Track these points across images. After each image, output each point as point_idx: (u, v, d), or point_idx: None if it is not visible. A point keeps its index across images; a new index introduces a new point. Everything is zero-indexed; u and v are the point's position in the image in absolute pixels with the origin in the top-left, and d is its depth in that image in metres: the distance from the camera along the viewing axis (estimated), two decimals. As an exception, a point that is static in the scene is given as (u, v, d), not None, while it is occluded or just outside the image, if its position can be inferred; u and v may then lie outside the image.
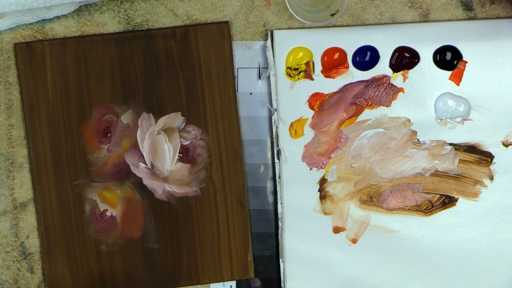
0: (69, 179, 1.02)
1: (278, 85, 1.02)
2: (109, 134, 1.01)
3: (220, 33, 1.01)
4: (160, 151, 1.02)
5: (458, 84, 1.02)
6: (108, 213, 1.02)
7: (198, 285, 1.04)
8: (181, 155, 1.02)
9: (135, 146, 1.02)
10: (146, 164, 1.02)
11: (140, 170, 1.02)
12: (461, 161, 1.03)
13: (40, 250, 1.03)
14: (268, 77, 1.02)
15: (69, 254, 1.02)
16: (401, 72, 1.02)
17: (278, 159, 1.03)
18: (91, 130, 1.01)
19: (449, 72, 1.02)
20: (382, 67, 1.02)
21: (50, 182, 1.02)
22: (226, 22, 1.01)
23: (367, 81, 1.02)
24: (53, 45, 1.00)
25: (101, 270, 1.03)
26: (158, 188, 1.02)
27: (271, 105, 1.02)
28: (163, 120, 1.01)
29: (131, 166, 1.02)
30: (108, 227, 1.02)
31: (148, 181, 1.02)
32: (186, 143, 1.02)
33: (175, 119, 1.01)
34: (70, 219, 1.02)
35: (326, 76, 1.02)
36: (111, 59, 1.01)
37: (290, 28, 1.02)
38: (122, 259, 1.03)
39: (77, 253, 1.02)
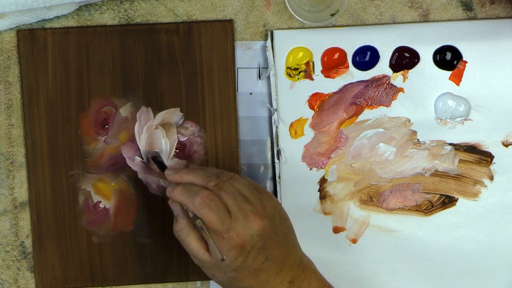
0: (64, 168, 1.02)
1: (278, 85, 1.02)
2: (106, 126, 1.01)
3: (223, 31, 1.01)
4: (157, 145, 1.01)
5: (458, 84, 1.02)
6: (101, 205, 1.02)
7: (189, 282, 1.04)
8: (177, 151, 1.02)
9: (132, 140, 1.02)
10: (142, 158, 1.02)
11: (135, 164, 1.02)
12: (461, 161, 1.03)
13: (32, 238, 1.02)
14: (268, 77, 1.02)
15: (60, 244, 1.02)
16: (401, 72, 1.02)
17: (278, 159, 1.03)
18: (89, 121, 1.01)
19: (449, 72, 1.02)
20: (382, 67, 1.02)
21: (45, 171, 1.01)
22: (230, 21, 1.01)
23: (367, 81, 1.02)
24: (56, 34, 1.00)
25: (91, 262, 1.02)
26: (153, 183, 1.02)
27: (271, 105, 1.02)
28: (161, 115, 1.01)
29: (127, 159, 1.02)
30: (101, 219, 1.02)
31: (143, 175, 1.02)
32: (183, 139, 1.02)
33: (174, 114, 1.01)
34: (63, 209, 1.02)
35: (326, 76, 1.02)
36: (113, 51, 1.01)
37: (290, 28, 1.02)
38: (112, 251, 1.03)
39: (68, 243, 1.02)
